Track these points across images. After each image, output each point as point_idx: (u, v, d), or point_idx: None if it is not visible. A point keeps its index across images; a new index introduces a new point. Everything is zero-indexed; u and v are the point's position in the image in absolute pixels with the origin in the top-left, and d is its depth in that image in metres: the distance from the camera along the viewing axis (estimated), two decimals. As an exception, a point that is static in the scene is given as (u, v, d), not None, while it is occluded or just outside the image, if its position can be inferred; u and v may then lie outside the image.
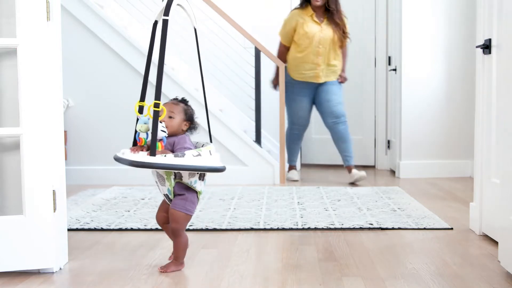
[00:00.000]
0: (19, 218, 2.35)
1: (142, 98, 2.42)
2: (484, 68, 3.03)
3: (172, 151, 2.34)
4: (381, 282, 2.30)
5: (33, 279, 2.36)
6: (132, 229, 3.20)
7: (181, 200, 2.38)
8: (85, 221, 3.38)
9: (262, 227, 3.24)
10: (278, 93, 5.01)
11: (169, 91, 4.71)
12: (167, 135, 2.34)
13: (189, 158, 2.26)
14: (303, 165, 6.23)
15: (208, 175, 2.46)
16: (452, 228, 3.22)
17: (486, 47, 2.96)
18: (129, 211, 3.67)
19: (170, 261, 2.53)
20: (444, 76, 5.34)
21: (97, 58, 4.90)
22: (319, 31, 4.85)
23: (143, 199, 4.09)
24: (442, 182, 5.00)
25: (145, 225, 3.26)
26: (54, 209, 2.41)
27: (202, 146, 2.42)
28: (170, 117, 2.39)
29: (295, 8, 5.06)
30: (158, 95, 2.26)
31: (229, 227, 3.22)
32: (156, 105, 2.25)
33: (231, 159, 4.84)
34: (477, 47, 3.06)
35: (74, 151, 4.92)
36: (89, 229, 3.20)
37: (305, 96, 4.99)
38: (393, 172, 5.74)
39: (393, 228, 3.21)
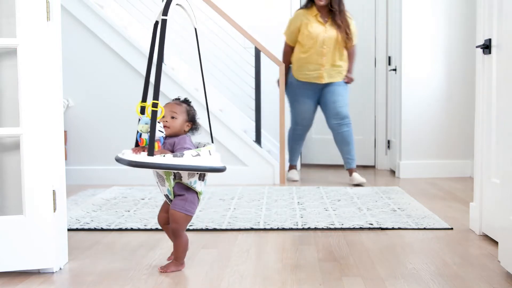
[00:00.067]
0: (19, 218, 2.35)
1: (144, 99, 2.42)
2: (484, 68, 3.03)
3: (173, 152, 2.34)
4: (381, 282, 2.30)
5: (33, 279, 2.36)
6: (132, 229, 3.20)
7: (181, 200, 2.38)
8: (85, 221, 3.38)
9: (262, 227, 3.24)
10: (278, 93, 5.00)
11: (169, 91, 4.71)
12: (164, 136, 2.34)
13: (188, 158, 2.26)
14: (303, 165, 6.24)
15: (208, 175, 2.46)
16: (452, 228, 3.22)
17: (486, 47, 2.96)
18: (129, 211, 3.67)
19: (169, 261, 2.53)
20: (444, 76, 5.34)
21: (97, 58, 4.90)
22: (323, 31, 4.82)
23: (143, 199, 4.09)
24: (442, 182, 5.00)
25: (145, 225, 3.26)
26: (54, 209, 2.41)
27: (203, 147, 2.42)
28: (172, 117, 2.39)
29: (300, 8, 5.03)
30: (156, 95, 2.26)
31: (229, 227, 3.22)
32: (154, 105, 2.25)
33: (231, 159, 4.84)
34: (477, 47, 3.06)
35: (74, 151, 4.92)
36: (89, 229, 3.20)
37: (309, 98, 4.96)
38: (393, 172, 5.74)
39: (393, 228, 3.21)
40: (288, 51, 5.04)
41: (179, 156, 2.26)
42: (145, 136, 2.31)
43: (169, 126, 2.38)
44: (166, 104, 2.44)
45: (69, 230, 3.07)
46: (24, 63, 2.31)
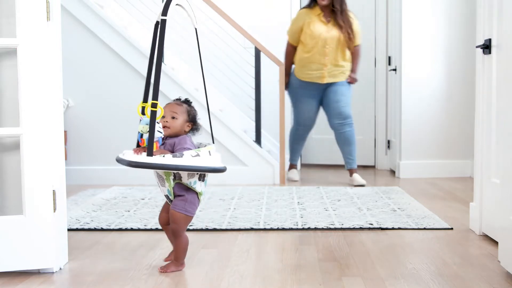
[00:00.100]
0: (19, 218, 2.35)
1: (145, 99, 2.42)
2: (484, 68, 3.03)
3: (173, 152, 2.34)
4: (381, 282, 2.30)
5: (33, 279, 2.36)
6: (132, 229, 3.20)
7: (181, 201, 2.38)
8: (85, 221, 3.38)
9: (262, 227, 3.24)
10: (278, 93, 5.00)
11: (169, 91, 4.71)
12: (162, 136, 2.34)
13: (187, 159, 2.26)
14: (303, 165, 6.24)
15: (208, 175, 2.46)
16: (452, 228, 3.22)
17: (486, 47, 2.96)
18: (129, 211, 3.67)
19: (167, 262, 2.53)
20: (444, 76, 5.34)
21: (97, 58, 4.90)
22: (325, 31, 4.79)
23: (143, 199, 4.09)
24: (442, 182, 5.00)
25: (145, 225, 3.26)
26: (54, 209, 2.41)
27: (204, 147, 2.42)
28: (173, 117, 2.39)
29: (303, 8, 4.99)
30: (155, 95, 2.27)
31: (229, 227, 3.22)
32: (154, 105, 2.25)
33: (231, 159, 4.84)
34: (477, 47, 3.06)
35: (74, 151, 4.92)
36: (89, 229, 3.20)
37: (311, 98, 4.95)
38: (393, 172, 5.74)
39: (393, 228, 3.21)
40: (291, 50, 5.01)
41: (179, 157, 2.26)
42: (146, 136, 2.31)
43: (170, 126, 2.38)
44: (166, 104, 2.44)
45: (69, 230, 3.07)
46: (24, 63, 2.31)
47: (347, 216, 3.51)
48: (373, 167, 6.19)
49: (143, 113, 2.36)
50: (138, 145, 2.38)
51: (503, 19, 2.58)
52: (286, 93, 5.11)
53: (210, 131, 2.64)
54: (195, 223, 3.28)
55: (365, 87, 6.17)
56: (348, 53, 4.88)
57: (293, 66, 5.03)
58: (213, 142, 2.56)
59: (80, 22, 4.86)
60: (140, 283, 2.30)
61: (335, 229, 3.21)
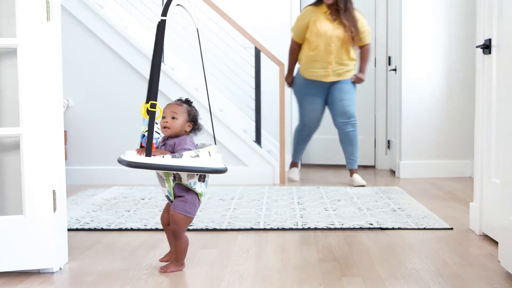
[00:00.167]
0: (19, 218, 2.35)
1: (148, 100, 2.41)
2: (484, 68, 3.03)
3: (173, 153, 2.34)
4: (381, 282, 2.30)
5: (33, 279, 2.36)
6: (132, 229, 3.20)
7: (181, 202, 2.37)
8: (85, 221, 3.38)
9: (262, 227, 3.24)
10: (278, 93, 5.00)
11: (169, 91, 4.71)
12: (159, 137, 2.34)
13: (186, 159, 2.26)
14: (303, 165, 6.23)
15: (209, 176, 2.45)
16: (452, 228, 3.22)
17: (486, 47, 2.96)
18: (129, 211, 3.67)
19: (162, 263, 2.53)
20: (444, 76, 5.34)
21: (97, 58, 4.90)
22: (331, 29, 4.73)
23: (143, 199, 4.09)
24: (442, 182, 5.00)
25: (145, 225, 3.26)
26: (54, 209, 2.41)
27: (204, 148, 2.41)
28: (173, 117, 2.38)
29: (309, 5, 4.92)
30: (154, 96, 2.27)
31: (229, 227, 3.22)
32: (152, 106, 2.25)
33: (231, 159, 4.84)
34: (477, 47, 3.06)
35: (74, 151, 4.92)
36: (89, 229, 3.20)
37: (316, 96, 4.89)
38: (393, 172, 5.74)
39: (393, 228, 3.21)
40: (295, 48, 4.96)
41: (178, 157, 2.26)
42: (155, 137, 2.32)
43: (170, 127, 2.38)
44: (167, 105, 2.43)
45: (69, 230, 3.07)
46: (24, 63, 2.31)
47: (347, 216, 3.51)
48: (373, 167, 6.20)
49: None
50: (141, 146, 2.38)
51: (503, 19, 2.58)
52: (291, 92, 5.08)
53: (211, 132, 2.64)
54: (195, 223, 3.28)
55: (365, 87, 6.15)
56: (353, 52, 4.83)
57: (298, 65, 5.01)
58: (215, 143, 2.55)
59: (80, 22, 4.86)
60: (140, 283, 2.30)
61: (335, 229, 3.21)
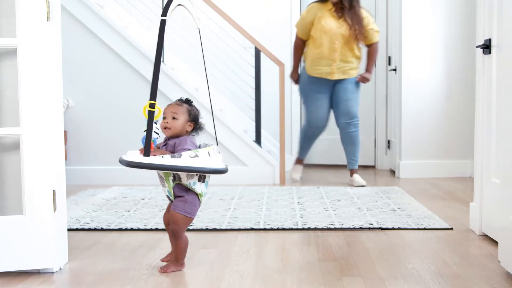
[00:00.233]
0: (19, 218, 2.35)
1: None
2: (484, 68, 3.03)
3: (173, 153, 2.34)
4: (381, 282, 2.30)
5: (33, 279, 2.36)
6: (132, 229, 3.20)
7: (181, 202, 2.37)
8: (85, 221, 3.38)
9: (262, 227, 3.24)
10: (278, 93, 5.00)
11: (169, 91, 4.72)
12: (157, 137, 2.34)
13: (185, 159, 2.26)
14: (303, 165, 6.22)
15: (210, 176, 2.45)
16: (452, 228, 3.22)
17: (486, 47, 2.96)
18: (129, 211, 3.67)
19: (162, 263, 2.53)
20: (444, 76, 5.34)
21: (97, 58, 4.90)
22: (336, 26, 4.70)
23: (143, 199, 4.09)
24: (442, 182, 5.00)
25: (145, 225, 3.26)
26: (54, 209, 2.41)
27: (204, 148, 2.41)
28: (173, 118, 2.38)
29: (315, 1, 4.88)
30: (154, 95, 2.27)
31: (229, 227, 3.22)
32: (151, 106, 2.26)
33: (231, 159, 4.84)
34: (477, 47, 3.06)
35: (74, 151, 4.92)
36: (89, 229, 3.20)
37: (322, 93, 4.85)
38: (393, 172, 5.74)
39: (393, 228, 3.21)
40: (299, 44, 4.93)
41: (177, 157, 2.26)
42: (154, 137, 2.32)
43: (171, 127, 2.38)
44: (167, 105, 2.43)
45: (69, 230, 3.07)
46: (24, 63, 2.31)
47: (347, 216, 3.51)
48: (373, 167, 6.19)
49: None
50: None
51: (503, 19, 2.58)
52: (297, 91, 5.05)
53: (212, 132, 2.63)
54: (195, 223, 3.28)
55: (365, 87, 6.14)
56: (357, 50, 4.79)
57: (302, 63, 4.99)
58: (217, 144, 2.55)
59: (80, 22, 4.86)
60: (140, 283, 2.30)
61: (335, 229, 3.21)
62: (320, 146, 6.25)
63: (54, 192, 2.41)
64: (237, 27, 4.96)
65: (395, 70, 5.63)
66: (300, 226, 3.24)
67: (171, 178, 2.36)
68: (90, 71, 4.92)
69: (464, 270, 2.45)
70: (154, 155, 2.28)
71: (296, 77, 5.00)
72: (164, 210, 2.66)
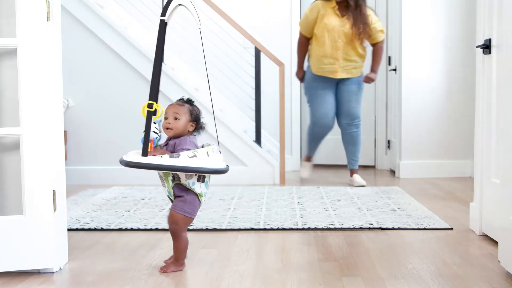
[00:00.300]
0: (19, 218, 2.35)
1: (155, 100, 2.40)
2: (484, 68, 3.03)
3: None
4: (381, 282, 2.30)
5: (33, 279, 2.36)
6: (132, 229, 3.20)
7: (180, 202, 2.37)
8: (85, 221, 3.38)
9: (262, 227, 3.24)
10: (278, 93, 5.00)
11: (169, 91, 4.72)
12: (157, 137, 2.34)
13: (184, 159, 2.26)
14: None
15: (211, 176, 2.44)
16: (452, 228, 3.22)
17: (486, 47, 2.96)
18: (129, 211, 3.67)
19: (163, 263, 2.53)
20: (444, 76, 5.34)
21: (97, 58, 4.90)
22: (339, 24, 4.68)
23: (143, 199, 4.09)
24: (442, 182, 5.00)
25: (145, 225, 3.26)
26: (54, 209, 2.41)
27: (203, 148, 2.41)
28: (175, 118, 2.38)
29: None
30: (152, 95, 2.27)
31: (229, 227, 3.22)
32: (150, 106, 2.26)
33: (231, 159, 4.84)
34: (477, 47, 3.06)
35: (74, 151, 4.92)
36: (89, 229, 3.20)
37: (326, 89, 4.81)
38: (393, 172, 5.74)
39: (393, 228, 3.21)
40: (303, 42, 4.90)
41: (175, 157, 2.26)
42: (153, 137, 2.32)
43: (172, 128, 2.37)
44: (169, 105, 2.43)
45: (69, 230, 3.06)
46: (24, 63, 2.31)
47: (347, 216, 3.51)
48: (373, 167, 6.20)
49: (154, 114, 2.35)
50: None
51: (503, 19, 2.58)
52: (302, 89, 5.03)
53: (212, 132, 2.63)
54: (195, 223, 3.28)
55: (365, 87, 6.15)
56: (361, 49, 4.77)
57: (307, 62, 4.97)
58: (218, 145, 2.54)
59: (80, 22, 4.86)
60: (140, 283, 2.30)
61: (335, 229, 3.21)
62: (320, 146, 6.24)
63: (54, 192, 2.41)
64: (237, 27, 4.96)
65: (395, 70, 5.63)
66: (300, 226, 3.24)
67: (170, 178, 2.36)
68: (90, 71, 4.92)
69: (464, 270, 2.45)
70: (154, 155, 2.28)
71: (301, 75, 4.98)
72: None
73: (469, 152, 5.23)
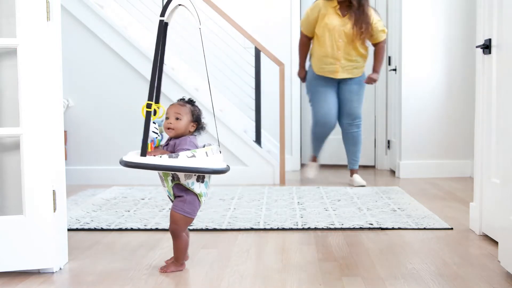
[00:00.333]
0: (19, 218, 2.35)
1: (156, 100, 2.40)
2: (484, 68, 3.03)
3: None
4: (381, 282, 2.30)
5: (33, 279, 2.36)
6: (132, 229, 3.20)
7: (180, 202, 2.37)
8: (85, 221, 3.38)
9: (262, 227, 3.24)
10: (278, 93, 5.00)
11: (169, 91, 4.71)
12: (157, 137, 2.34)
13: (182, 159, 2.25)
14: (303, 165, 6.23)
15: (211, 176, 2.44)
16: (452, 228, 3.22)
17: (486, 47, 2.96)
18: (129, 211, 3.67)
19: (163, 263, 2.53)
20: (444, 76, 5.34)
21: (97, 58, 4.91)
22: (339, 24, 4.67)
23: (143, 199, 4.09)
24: (442, 182, 5.00)
25: (145, 225, 3.26)
26: (54, 209, 2.41)
27: (203, 148, 2.41)
28: (177, 118, 2.38)
29: None
30: (151, 96, 2.27)
31: (229, 227, 3.22)
32: (148, 106, 2.26)
33: (231, 159, 4.84)
34: (477, 47, 3.06)
35: (74, 151, 4.92)
36: (89, 229, 3.20)
37: (328, 88, 4.80)
38: (393, 172, 5.74)
39: (393, 228, 3.21)
40: (304, 41, 4.89)
41: (174, 157, 2.25)
42: (153, 137, 2.33)
43: (174, 128, 2.37)
44: (170, 105, 2.43)
45: (69, 230, 3.07)
46: (24, 63, 2.31)
47: (347, 216, 3.51)
48: (373, 167, 6.20)
49: (154, 114, 2.35)
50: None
51: (503, 19, 2.58)
52: (305, 88, 5.04)
53: (212, 132, 2.63)
54: (195, 223, 3.28)
55: (365, 87, 6.16)
56: (363, 49, 4.76)
57: (308, 61, 4.96)
58: (219, 145, 2.53)
59: (80, 22, 4.86)
60: (140, 283, 2.30)
61: (335, 229, 3.21)
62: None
63: (54, 192, 2.41)
64: (237, 27, 4.96)
65: (395, 70, 5.63)
66: (300, 226, 3.24)
67: (169, 178, 2.36)
68: (90, 71, 4.92)
69: (464, 270, 2.45)
70: (154, 155, 2.28)
71: (303, 75, 4.97)
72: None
73: (469, 152, 5.23)
